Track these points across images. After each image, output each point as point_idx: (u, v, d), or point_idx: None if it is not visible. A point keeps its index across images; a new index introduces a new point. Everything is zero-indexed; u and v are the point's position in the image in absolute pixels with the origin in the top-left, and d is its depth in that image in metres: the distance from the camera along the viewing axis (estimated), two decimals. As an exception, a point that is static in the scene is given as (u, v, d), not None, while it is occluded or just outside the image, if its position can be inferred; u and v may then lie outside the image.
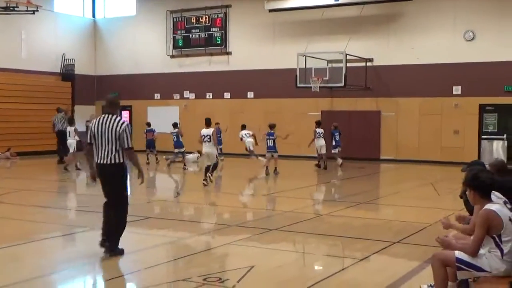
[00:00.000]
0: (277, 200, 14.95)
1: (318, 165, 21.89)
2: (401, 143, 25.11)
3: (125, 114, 31.76)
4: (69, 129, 20.85)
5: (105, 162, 8.00)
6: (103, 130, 8.02)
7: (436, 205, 13.17)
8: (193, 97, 29.36)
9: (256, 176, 19.65)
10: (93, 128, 8.12)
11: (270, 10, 26.62)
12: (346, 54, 23.26)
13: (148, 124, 24.55)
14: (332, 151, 22.26)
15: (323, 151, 21.69)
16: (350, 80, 23.43)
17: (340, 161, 22.32)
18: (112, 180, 8.08)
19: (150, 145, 23.96)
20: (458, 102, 23.91)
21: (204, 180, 16.12)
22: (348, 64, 23.40)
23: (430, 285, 6.10)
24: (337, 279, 7.17)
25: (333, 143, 22.30)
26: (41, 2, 23.75)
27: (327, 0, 25.20)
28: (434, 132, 24.41)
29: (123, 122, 8.10)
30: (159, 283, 6.63)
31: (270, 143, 19.78)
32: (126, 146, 8.01)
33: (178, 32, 29.82)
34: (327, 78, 23.89)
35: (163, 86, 30.25)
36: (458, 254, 5.42)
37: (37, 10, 22.96)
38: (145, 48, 30.70)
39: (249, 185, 18.16)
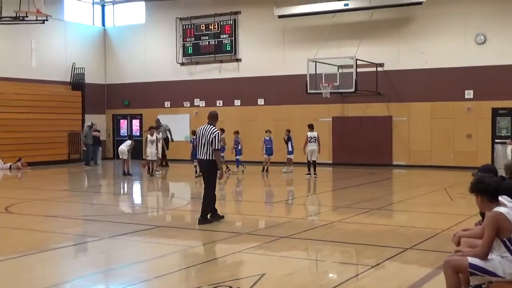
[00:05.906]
0: (288, 207, 14.87)
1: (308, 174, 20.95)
2: (413, 148, 24.94)
3: (136, 123, 31.80)
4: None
5: (202, 158, 10.98)
6: (202, 135, 11.02)
7: (448, 210, 13.03)
8: (203, 105, 29.26)
9: (267, 183, 19.55)
10: (197, 134, 11.22)
11: (280, 16, 26.52)
12: (357, 59, 23.16)
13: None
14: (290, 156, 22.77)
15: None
16: (361, 85, 23.33)
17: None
18: (207, 171, 11.08)
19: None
20: (470, 106, 23.73)
21: (307, 174, 20.37)
22: (359, 69, 23.29)
23: (443, 292, 5.99)
24: (348, 286, 7.07)
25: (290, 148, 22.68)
26: (51, 12, 23.75)
27: (336, 5, 25.07)
28: (446, 136, 24.22)
29: (215, 131, 10.98)
30: (169, 293, 6.56)
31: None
32: (214, 147, 10.88)
33: (187, 40, 29.82)
34: (338, 83, 23.80)
35: (173, 94, 30.22)
36: (471, 259, 5.31)
37: (47, 20, 22.89)
38: (155, 56, 30.72)
39: (259, 193, 18.06)
